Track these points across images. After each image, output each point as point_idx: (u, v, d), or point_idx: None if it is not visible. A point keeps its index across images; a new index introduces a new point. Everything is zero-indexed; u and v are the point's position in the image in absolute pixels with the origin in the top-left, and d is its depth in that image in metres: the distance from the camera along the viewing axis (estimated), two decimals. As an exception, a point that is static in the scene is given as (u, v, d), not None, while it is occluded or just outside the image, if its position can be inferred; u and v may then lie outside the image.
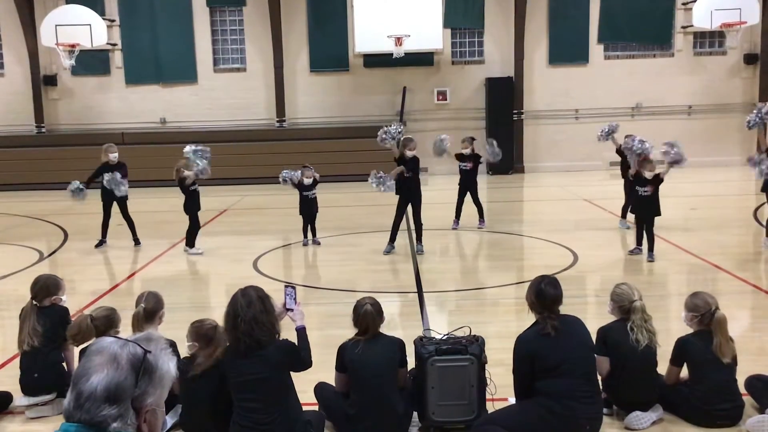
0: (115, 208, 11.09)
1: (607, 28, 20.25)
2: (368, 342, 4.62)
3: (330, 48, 20.54)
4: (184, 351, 4.76)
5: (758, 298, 7.87)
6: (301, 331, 4.61)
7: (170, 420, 4.79)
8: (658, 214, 9.32)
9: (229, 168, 17.87)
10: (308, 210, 11.08)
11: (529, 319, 4.68)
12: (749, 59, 20.27)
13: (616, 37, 20.41)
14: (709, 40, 20.49)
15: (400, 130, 10.17)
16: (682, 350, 4.76)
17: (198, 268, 10.20)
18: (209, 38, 20.96)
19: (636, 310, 4.70)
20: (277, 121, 20.87)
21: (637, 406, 4.67)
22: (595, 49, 20.63)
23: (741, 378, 4.81)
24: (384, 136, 10.07)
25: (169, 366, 1.89)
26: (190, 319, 4.81)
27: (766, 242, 9.82)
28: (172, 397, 4.57)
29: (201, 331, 4.61)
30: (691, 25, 19.02)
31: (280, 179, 11.01)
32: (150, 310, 4.94)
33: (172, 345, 4.49)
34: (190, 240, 10.65)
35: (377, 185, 10.03)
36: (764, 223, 10.10)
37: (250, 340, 4.24)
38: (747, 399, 4.77)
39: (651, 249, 9.31)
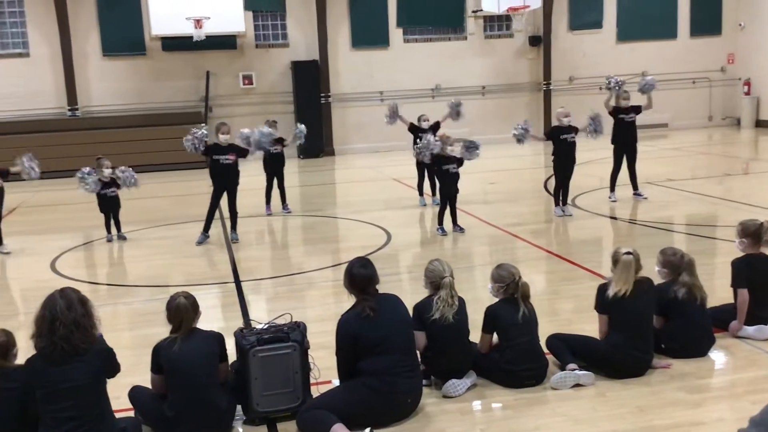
0: None
1: (404, 12, 20.87)
2: (185, 339, 4.44)
3: (123, 30, 19.38)
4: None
5: (551, 263, 8.56)
6: (100, 337, 4.33)
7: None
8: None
9: (16, 162, 16.34)
10: (109, 207, 10.45)
11: (349, 300, 4.73)
12: (533, 41, 21.90)
13: (413, 22, 21.12)
14: (498, 24, 21.87)
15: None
16: (492, 318, 5.05)
17: (-13, 274, 9.26)
18: (-17, 20, 18.97)
19: (444, 286, 4.91)
20: (69, 110, 19.40)
21: (453, 375, 4.90)
22: (395, 33, 21.25)
23: (543, 338, 5.20)
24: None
25: None
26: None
27: (556, 211, 10.71)
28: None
29: None
30: (481, 10, 20.20)
31: (80, 183, 10.21)
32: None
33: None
34: None
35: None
36: (553, 193, 10.99)
37: (68, 345, 3.92)
38: (550, 358, 5.17)
39: (455, 221, 9.89)
